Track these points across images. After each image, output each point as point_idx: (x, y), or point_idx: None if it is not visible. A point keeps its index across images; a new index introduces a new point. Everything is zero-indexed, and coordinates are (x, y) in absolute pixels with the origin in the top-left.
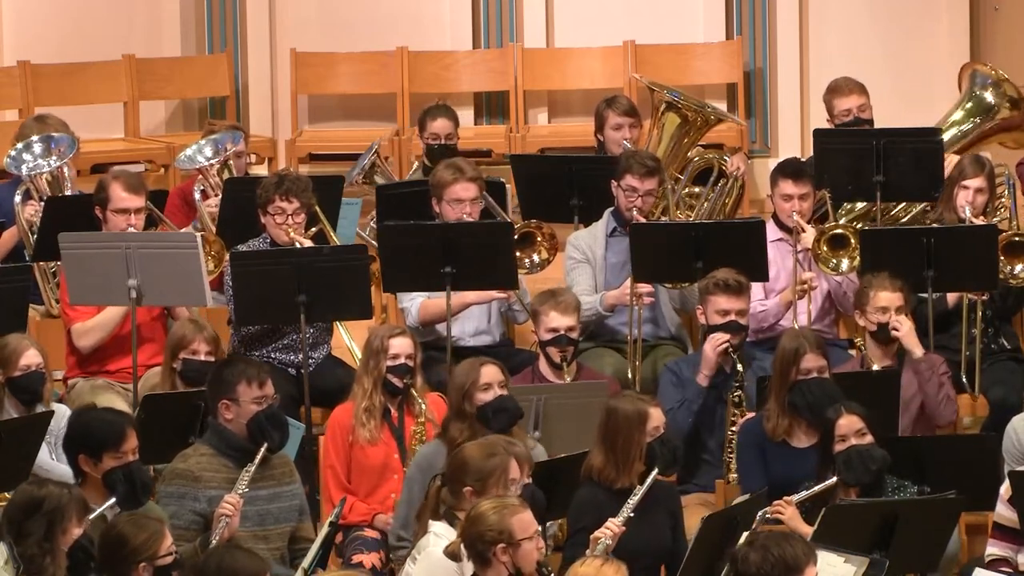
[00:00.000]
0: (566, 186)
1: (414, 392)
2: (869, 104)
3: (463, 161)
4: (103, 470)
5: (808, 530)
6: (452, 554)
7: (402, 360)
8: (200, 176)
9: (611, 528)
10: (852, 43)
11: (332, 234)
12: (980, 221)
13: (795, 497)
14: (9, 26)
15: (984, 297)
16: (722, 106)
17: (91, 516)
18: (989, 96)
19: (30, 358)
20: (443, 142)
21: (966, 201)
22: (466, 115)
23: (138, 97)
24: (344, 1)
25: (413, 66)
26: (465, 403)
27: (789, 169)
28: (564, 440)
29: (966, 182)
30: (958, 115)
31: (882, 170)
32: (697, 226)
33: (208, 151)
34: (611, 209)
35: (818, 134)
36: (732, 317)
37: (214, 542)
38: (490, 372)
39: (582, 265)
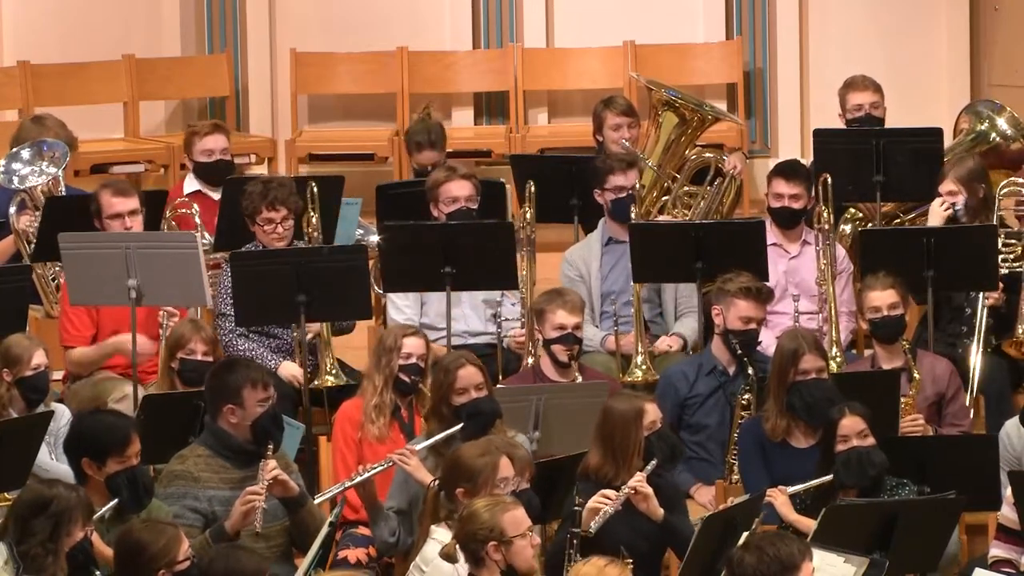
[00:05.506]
0: (566, 186)
1: (424, 389)
2: (883, 104)
3: (456, 163)
4: (107, 474)
5: (796, 518)
6: (448, 555)
7: (414, 360)
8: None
9: (608, 497)
10: (852, 43)
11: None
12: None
13: (790, 489)
14: (9, 26)
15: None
16: (722, 106)
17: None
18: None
19: (40, 357)
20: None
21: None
22: (466, 115)
23: (138, 97)
24: (344, 1)
25: (413, 66)
26: (442, 405)
27: (784, 168)
28: (564, 440)
29: None
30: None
31: (882, 170)
32: (697, 226)
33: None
34: (604, 220)
35: (818, 134)
36: (753, 325)
37: (258, 529)
38: (466, 375)
39: (576, 284)
